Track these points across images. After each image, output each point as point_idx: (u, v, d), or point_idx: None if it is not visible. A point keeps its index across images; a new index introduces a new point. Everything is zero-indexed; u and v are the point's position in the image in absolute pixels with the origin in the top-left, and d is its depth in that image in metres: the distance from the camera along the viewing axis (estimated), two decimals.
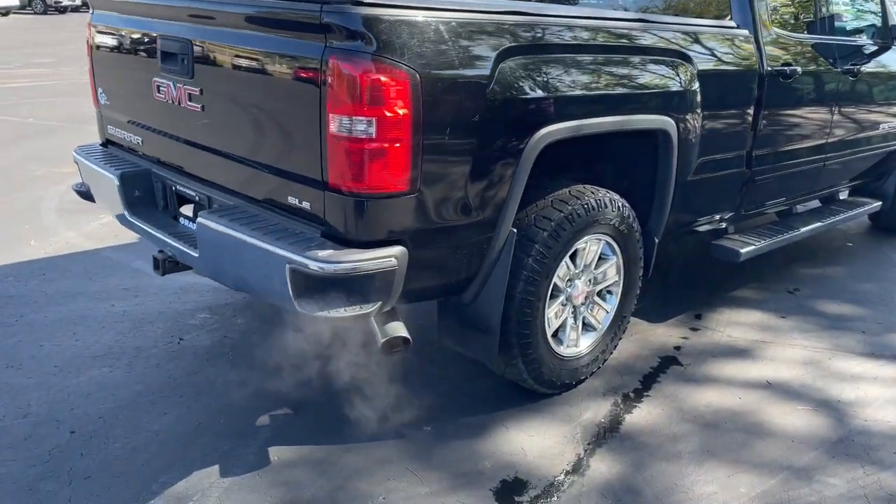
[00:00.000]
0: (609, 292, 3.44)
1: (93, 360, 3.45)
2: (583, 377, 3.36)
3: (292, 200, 2.59)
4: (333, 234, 2.48)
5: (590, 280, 3.29)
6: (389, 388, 3.27)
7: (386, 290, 2.48)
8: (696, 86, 3.39)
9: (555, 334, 3.24)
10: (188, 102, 2.91)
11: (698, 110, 3.43)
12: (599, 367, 3.46)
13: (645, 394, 3.36)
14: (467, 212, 2.64)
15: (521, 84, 2.66)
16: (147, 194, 3.29)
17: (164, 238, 3.03)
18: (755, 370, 3.60)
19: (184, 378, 3.32)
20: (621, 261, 3.36)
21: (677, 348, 3.80)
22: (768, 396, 3.37)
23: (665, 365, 3.63)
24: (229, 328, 3.79)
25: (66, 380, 3.28)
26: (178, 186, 3.15)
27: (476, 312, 2.93)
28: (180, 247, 2.93)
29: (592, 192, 3.12)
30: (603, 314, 3.41)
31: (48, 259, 4.70)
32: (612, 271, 3.37)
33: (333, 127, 2.34)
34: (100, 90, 3.59)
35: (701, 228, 4.02)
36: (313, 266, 2.36)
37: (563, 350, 3.24)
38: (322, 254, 2.38)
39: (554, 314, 3.16)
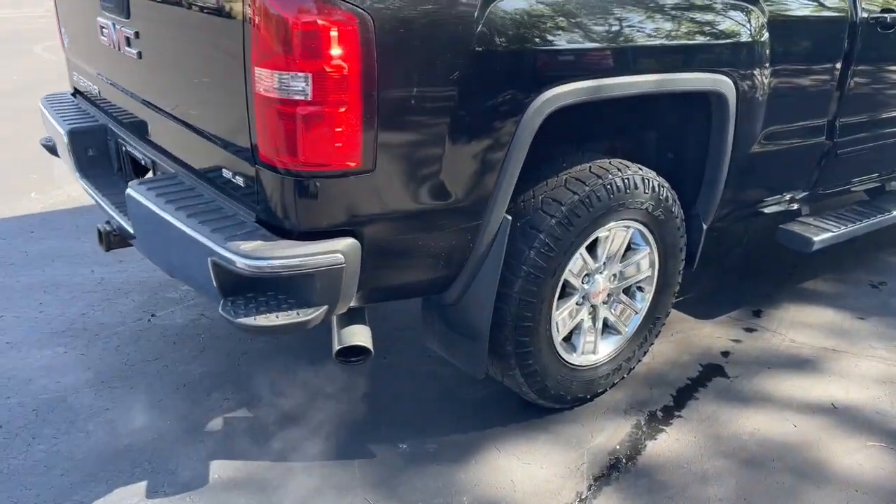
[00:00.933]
0: (639, 289, 2.84)
1: (49, 338, 3.09)
2: (600, 390, 2.81)
3: (227, 174, 2.10)
4: (268, 221, 1.98)
5: (614, 275, 2.70)
6: (368, 394, 2.79)
7: (331, 292, 1.97)
8: (766, 36, 2.69)
9: (568, 338, 2.69)
10: (126, 48, 2.42)
11: (766, 67, 2.74)
12: (623, 378, 2.89)
13: (676, 413, 2.77)
14: (443, 195, 2.08)
15: (519, 30, 2.06)
16: (102, 154, 2.86)
17: (107, 207, 2.59)
18: (819, 388, 2.95)
19: (141, 365, 2.92)
20: (655, 252, 2.75)
21: (725, 354, 3.18)
22: (832, 425, 2.74)
23: (707, 376, 3.02)
24: (209, 305, 3.36)
25: (12, 360, 2.93)
26: (127, 147, 2.69)
27: (460, 315, 2.39)
28: (121, 220, 2.49)
29: (619, 170, 2.50)
30: (630, 315, 2.82)
31: (42, 215, 4.39)
32: (643, 264, 2.76)
33: (260, 85, 1.82)
34: (63, 30, 3.15)
35: (767, 210, 3.33)
36: (234, 261, 1.87)
37: (576, 358, 2.68)
38: (246, 246, 1.88)
39: (566, 316, 2.59)
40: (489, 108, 2.06)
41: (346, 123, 1.83)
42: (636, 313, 2.83)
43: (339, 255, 1.93)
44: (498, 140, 2.11)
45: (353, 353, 2.18)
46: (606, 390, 2.84)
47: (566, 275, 2.49)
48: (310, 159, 1.84)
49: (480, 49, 1.99)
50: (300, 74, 1.76)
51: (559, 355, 2.60)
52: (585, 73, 2.22)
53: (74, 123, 2.84)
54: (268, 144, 1.87)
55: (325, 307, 1.99)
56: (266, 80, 1.79)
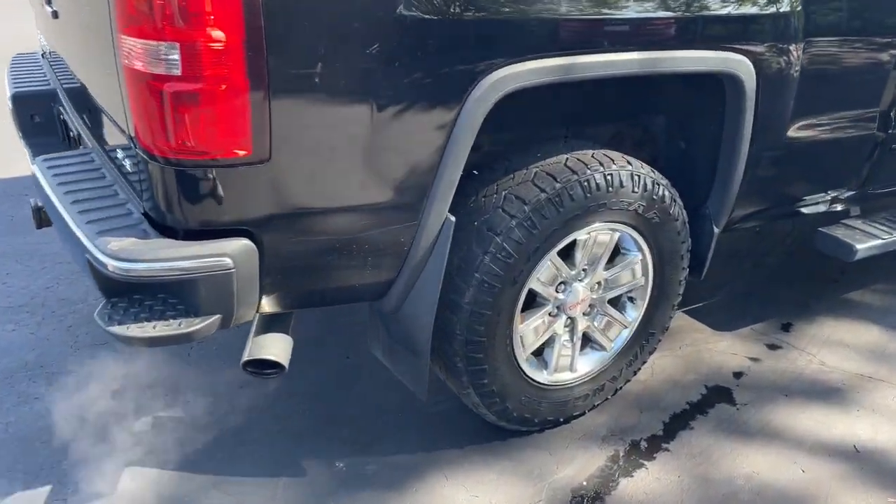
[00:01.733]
0: (630, 300, 2.46)
1: (4, 312, 2.94)
2: (577, 412, 2.46)
3: (121, 157, 1.83)
4: (153, 216, 1.71)
5: (597, 284, 2.33)
6: (316, 398, 2.53)
7: (223, 300, 1.69)
8: (799, 5, 2.23)
9: (540, 352, 2.35)
10: (47, 6, 2.17)
11: (799, 44, 2.28)
12: (607, 399, 2.53)
13: (664, 445, 2.40)
14: (363, 192, 1.77)
15: None
16: (49, 121, 2.64)
17: None
18: (842, 424, 2.53)
19: (87, 349, 2.74)
20: (649, 259, 2.36)
21: (737, 375, 2.77)
22: (849, 472, 2.32)
23: (710, 401, 2.63)
24: None
25: None
26: (64, 115, 2.46)
27: (401, 326, 2.08)
28: None
29: (601, 164, 2.12)
30: (617, 329, 2.45)
31: None
32: (632, 272, 2.38)
33: (125, 55, 1.53)
34: None
35: (805, 210, 2.87)
36: (102, 261, 1.61)
37: (547, 376, 2.34)
38: (114, 245, 1.62)
39: (535, 329, 2.25)
40: (421, 90, 1.72)
41: (228, 104, 1.53)
42: (625, 327, 2.46)
43: (227, 260, 1.64)
44: (433, 130, 1.77)
45: (266, 365, 1.91)
46: (585, 413, 2.49)
47: (532, 284, 2.14)
48: (186, 146, 1.54)
49: (409, 15, 1.64)
50: (168, 44, 1.47)
51: (524, 373, 2.27)
52: (549, 49, 1.84)
53: (22, 87, 2.63)
54: (142, 127, 1.58)
55: (218, 316, 1.71)
56: (131, 50, 1.50)
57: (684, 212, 2.36)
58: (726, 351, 2.92)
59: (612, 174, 2.12)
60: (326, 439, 2.35)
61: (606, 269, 2.32)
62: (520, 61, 1.80)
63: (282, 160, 1.63)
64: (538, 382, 2.32)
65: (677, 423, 2.50)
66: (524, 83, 1.82)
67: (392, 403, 2.53)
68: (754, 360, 2.87)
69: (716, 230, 2.50)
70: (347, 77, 1.63)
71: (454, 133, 1.79)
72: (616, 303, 2.46)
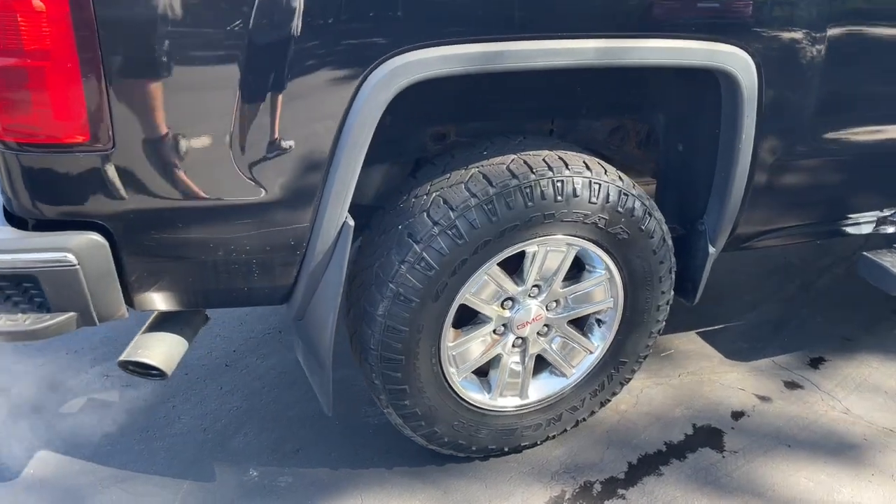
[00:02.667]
0: (598, 322, 2.15)
1: None
2: (526, 442, 2.18)
3: None
4: (4, 205, 1.58)
5: (555, 302, 2.04)
6: (250, 402, 2.38)
7: (73, 297, 1.54)
8: None
9: (486, 372, 2.09)
10: None
11: (822, 32, 1.88)
12: (566, 431, 2.24)
13: (620, 491, 2.10)
14: (234, 187, 1.56)
15: None
16: None
17: None
18: (850, 489, 2.14)
19: None
20: (618, 279, 2.04)
21: (738, 416, 2.41)
22: None
23: (694, 443, 2.29)
24: None
25: None
26: None
27: (307, 334, 1.88)
28: None
29: (551, 168, 1.83)
30: (580, 354, 2.15)
31: None
32: (599, 292, 2.07)
33: None
34: None
35: (845, 230, 2.45)
36: None
37: (489, 400, 2.08)
38: None
39: (474, 348, 2.00)
40: (301, 77, 1.48)
41: (56, 84, 1.35)
42: (590, 353, 2.16)
43: (68, 255, 1.48)
44: (315, 125, 1.54)
45: (149, 366, 1.76)
46: (538, 444, 2.21)
47: (464, 299, 1.88)
48: (11, 128, 1.39)
49: None
50: None
51: (458, 395, 2.02)
52: (465, 32, 1.56)
53: None
54: None
55: (72, 314, 1.57)
56: None
57: (664, 227, 2.02)
58: (733, 385, 2.55)
59: (562, 181, 1.82)
60: (249, 443, 2.20)
61: (566, 286, 2.03)
62: (426, 47, 1.53)
63: (130, 150, 1.45)
64: (478, 406, 2.06)
65: (645, 467, 2.19)
66: (435, 72, 1.55)
67: (341, 408, 2.35)
68: (763, 398, 2.48)
69: (711, 250, 2.14)
70: (209, 61, 1.43)
71: (345, 129, 1.55)
72: (582, 325, 2.16)
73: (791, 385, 2.56)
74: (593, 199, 1.86)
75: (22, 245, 1.48)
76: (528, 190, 1.79)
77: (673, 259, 2.09)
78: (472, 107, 2.10)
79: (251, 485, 2.06)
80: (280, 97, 1.48)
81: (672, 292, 2.15)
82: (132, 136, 1.44)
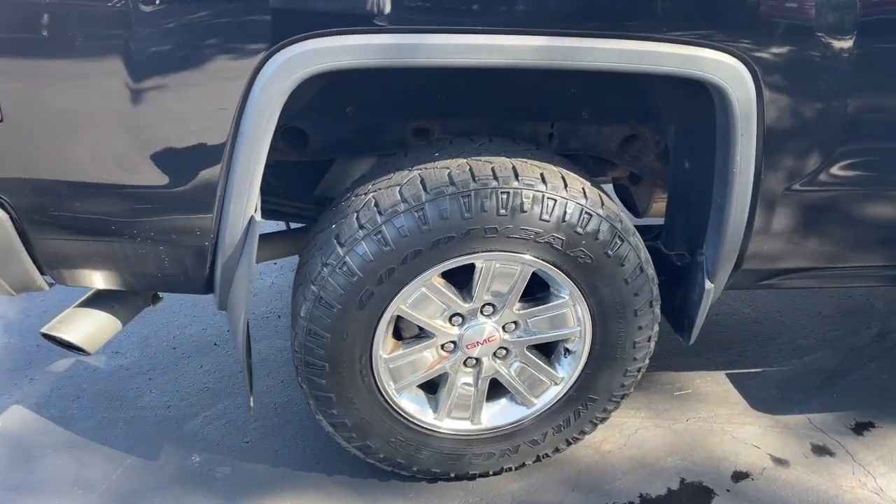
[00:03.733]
0: (567, 351, 1.93)
1: None
2: (475, 471, 2.01)
3: None
4: None
5: (513, 324, 1.85)
6: (221, 384, 2.36)
7: None
8: None
9: (437, 389, 1.95)
10: None
11: (844, 39, 1.56)
12: (524, 465, 2.04)
13: None
14: (128, 172, 1.50)
15: None
16: None
17: None
18: None
19: None
20: (584, 308, 1.82)
21: (739, 477, 2.10)
22: None
23: (675, 501, 2.02)
24: None
25: None
26: None
27: (231, 326, 1.82)
28: None
29: (497, 178, 1.64)
30: (544, 385, 1.95)
31: None
32: (564, 319, 1.86)
33: None
34: None
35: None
36: None
37: (434, 420, 1.93)
38: None
39: (416, 363, 1.85)
40: (195, 63, 1.40)
41: None
42: (554, 384, 1.95)
43: None
44: (206, 116, 1.45)
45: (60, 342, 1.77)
46: (490, 473, 2.03)
47: (400, 311, 1.74)
48: None
49: None
50: None
51: (395, 411, 1.89)
52: (374, 22, 1.40)
53: None
54: None
55: None
56: None
57: (641, 254, 1.77)
58: (748, 440, 2.23)
59: (507, 193, 1.63)
60: (203, 428, 2.18)
61: (525, 308, 1.83)
62: (327, 35, 1.40)
63: (19, 124, 1.43)
64: (419, 425, 1.92)
65: None
66: (339, 63, 1.42)
67: (280, 398, 2.29)
68: (779, 461, 2.15)
69: (708, 285, 1.86)
70: (91, 39, 1.37)
71: (243, 121, 1.45)
72: (551, 352, 1.96)
73: (820, 450, 2.20)
74: (545, 216, 1.65)
75: None
76: (465, 200, 1.62)
77: (655, 291, 1.83)
78: (455, 103, 1.94)
79: (190, 470, 2.04)
80: (175, 85, 1.41)
81: (655, 328, 1.89)
82: (20, 112, 1.41)
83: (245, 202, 1.55)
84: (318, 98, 1.85)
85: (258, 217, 1.57)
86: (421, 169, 1.69)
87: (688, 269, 1.93)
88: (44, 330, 1.74)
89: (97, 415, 2.22)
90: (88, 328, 1.76)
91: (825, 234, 1.86)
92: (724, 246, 1.80)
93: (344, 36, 1.40)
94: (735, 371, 2.52)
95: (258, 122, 1.45)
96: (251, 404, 1.84)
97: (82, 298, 1.83)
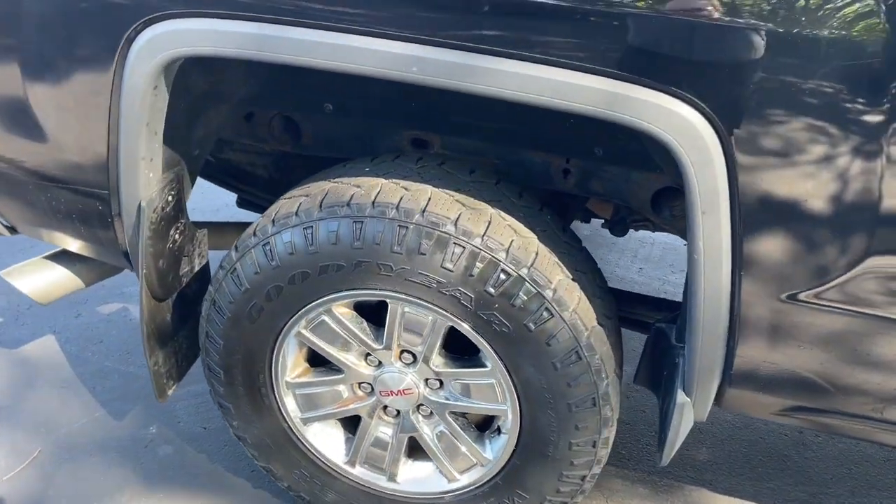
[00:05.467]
0: (500, 430, 1.61)
1: None
2: None
3: None
4: None
5: (437, 382, 1.58)
6: None
7: None
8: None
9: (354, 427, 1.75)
10: None
11: (885, 88, 1.07)
12: None
13: None
14: (34, 137, 1.50)
15: None
16: None
17: None
18: None
19: None
20: (510, 386, 1.49)
21: None
22: None
23: None
24: None
25: None
26: None
27: None
28: None
29: (401, 208, 1.38)
30: (469, 462, 1.64)
31: None
32: (486, 391, 1.54)
33: None
34: None
35: None
36: None
37: (341, 462, 1.73)
38: None
39: (323, 396, 1.67)
40: (62, 33, 1.35)
41: None
42: (479, 465, 1.63)
43: None
44: (88, 91, 1.39)
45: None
46: None
47: (300, 334, 1.57)
48: None
49: None
50: None
51: (301, 441, 1.72)
52: (238, 5, 1.23)
53: None
54: None
55: None
56: None
57: (581, 337, 1.39)
58: None
59: (405, 228, 1.36)
60: (174, 399, 2.18)
61: (448, 366, 1.55)
62: (188, 16, 1.25)
63: None
64: (328, 465, 1.73)
65: None
66: (197, 49, 1.27)
67: None
68: None
69: (681, 398, 1.42)
70: None
71: (121, 105, 1.37)
72: (487, 426, 1.64)
73: None
74: (447, 264, 1.36)
75: None
76: (357, 226, 1.39)
77: (603, 387, 1.43)
78: (453, 117, 1.70)
79: (139, 438, 2.06)
80: (52, 60, 1.38)
81: (605, 433, 1.49)
82: None
83: (135, 187, 1.46)
84: (300, 89, 1.72)
85: (144, 204, 1.48)
86: (338, 182, 1.48)
87: (671, 370, 1.49)
88: (2, 273, 1.83)
89: (103, 362, 2.32)
90: (43, 281, 1.81)
91: (847, 371, 1.32)
92: (697, 355, 1.35)
93: (197, 19, 1.25)
94: None
95: (132, 108, 1.35)
96: (157, 394, 1.77)
97: (50, 251, 1.88)
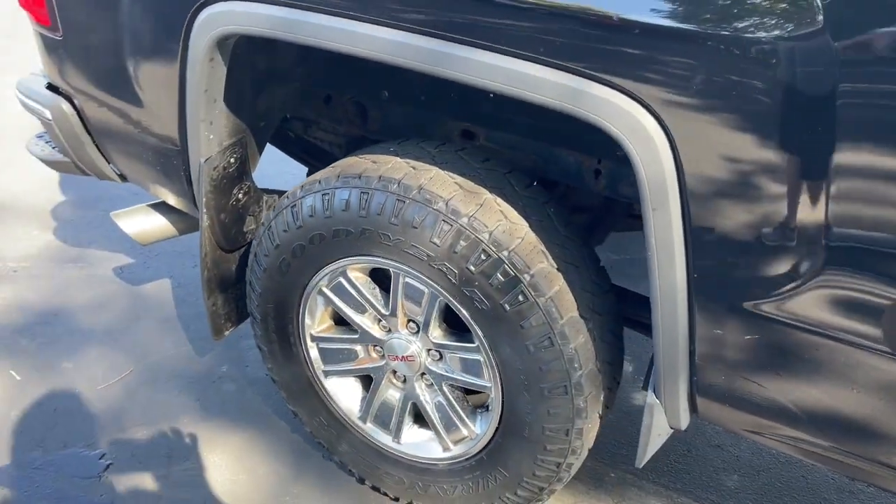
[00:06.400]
0: (488, 407, 1.70)
1: None
2: (386, 490, 1.92)
3: None
4: None
5: (437, 353, 1.70)
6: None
7: (58, 145, 2.06)
8: None
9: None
10: None
11: (831, 65, 1.07)
12: None
13: None
14: (128, 93, 1.79)
15: None
16: None
17: None
18: None
19: None
20: (492, 364, 1.58)
21: None
22: None
23: None
24: None
25: None
26: None
27: None
28: None
29: (401, 183, 1.52)
30: (461, 434, 1.75)
31: None
32: (472, 366, 1.64)
33: None
34: None
35: None
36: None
37: (354, 418, 1.89)
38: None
39: (339, 353, 1.84)
40: (149, 12, 1.63)
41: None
42: (470, 438, 1.73)
43: (47, 111, 1.97)
44: (166, 61, 1.65)
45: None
46: (397, 500, 1.90)
47: (321, 290, 1.75)
48: (27, 8, 1.89)
49: None
50: None
51: (322, 391, 1.90)
52: None
53: None
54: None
55: (66, 160, 2.09)
56: None
57: (555, 323, 1.45)
58: None
59: (402, 202, 1.50)
60: (252, 349, 2.43)
61: (444, 339, 1.66)
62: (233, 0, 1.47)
63: (70, 39, 1.82)
64: (344, 417, 1.90)
65: None
66: (243, 28, 1.48)
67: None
68: None
69: (650, 398, 1.44)
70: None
71: (186, 74, 1.61)
72: (475, 401, 1.74)
73: None
74: (435, 239, 1.48)
75: (39, 96, 2.01)
76: (364, 196, 1.54)
77: (575, 376, 1.49)
78: (496, 115, 1.81)
79: (211, 375, 2.33)
80: (142, 28, 1.65)
81: (579, 424, 1.54)
82: (68, 30, 1.80)
83: (202, 144, 1.71)
84: (360, 75, 1.90)
85: (202, 160, 1.72)
86: (365, 158, 1.64)
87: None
88: (112, 214, 2.17)
89: (201, 307, 2.63)
90: (143, 225, 2.13)
91: (808, 393, 1.27)
92: (659, 357, 1.37)
93: (248, 2, 1.46)
94: None
95: (193, 73, 1.59)
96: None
97: (153, 201, 2.20)
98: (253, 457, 2.06)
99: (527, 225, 1.49)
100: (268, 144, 2.04)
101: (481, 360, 1.59)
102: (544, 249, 1.48)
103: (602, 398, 1.56)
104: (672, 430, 1.54)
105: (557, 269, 1.48)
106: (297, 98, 1.97)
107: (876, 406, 1.20)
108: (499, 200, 1.51)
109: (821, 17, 1.00)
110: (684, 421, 1.47)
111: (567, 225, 1.57)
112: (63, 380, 2.30)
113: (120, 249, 2.94)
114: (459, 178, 1.53)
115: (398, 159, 1.58)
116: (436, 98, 1.86)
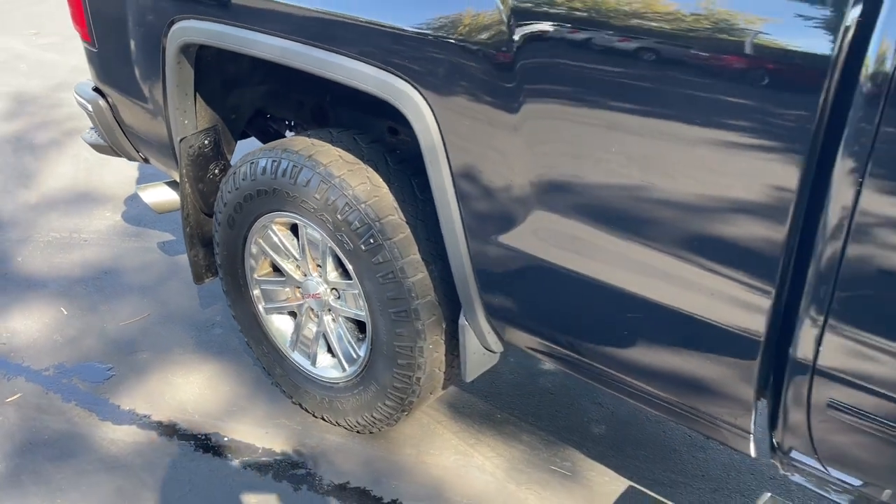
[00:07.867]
0: (360, 339, 2.18)
1: None
2: (306, 406, 2.41)
3: None
4: None
5: (336, 291, 2.21)
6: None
7: (101, 133, 2.73)
8: None
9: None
10: None
11: (507, 52, 1.53)
12: (338, 426, 2.34)
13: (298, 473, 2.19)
14: (134, 90, 2.43)
15: None
16: None
17: None
18: None
19: None
20: (362, 295, 2.06)
21: None
22: None
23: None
24: None
25: None
26: None
27: None
28: None
29: (298, 150, 2.05)
30: (352, 357, 2.23)
31: None
32: (350, 298, 2.13)
33: None
34: None
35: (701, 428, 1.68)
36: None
37: (285, 346, 2.41)
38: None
39: (273, 290, 2.37)
40: (139, 18, 2.24)
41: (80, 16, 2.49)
42: (356, 359, 2.21)
43: (89, 105, 2.65)
44: (153, 62, 2.25)
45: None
46: (315, 416, 2.40)
47: (255, 242, 2.29)
48: (77, 30, 2.59)
49: None
50: None
51: (263, 325, 2.43)
52: (212, 12, 2.00)
53: None
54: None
55: (106, 144, 2.76)
56: None
57: (398, 262, 1.91)
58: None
59: (297, 166, 2.02)
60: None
61: (338, 279, 2.16)
62: (193, 17, 2.06)
63: (101, 49, 2.49)
64: (278, 346, 2.41)
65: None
66: (196, 39, 2.07)
67: None
68: None
69: (461, 320, 1.89)
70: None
71: (166, 72, 2.22)
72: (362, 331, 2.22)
73: None
74: (318, 194, 1.98)
75: (85, 94, 2.69)
76: (274, 162, 2.07)
77: (414, 303, 1.94)
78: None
79: (207, 321, 2.92)
80: (138, 36, 2.27)
81: (419, 343, 1.98)
82: (100, 42, 2.46)
83: (175, 129, 2.31)
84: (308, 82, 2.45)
85: (180, 141, 2.31)
86: (310, 137, 2.15)
87: None
88: (137, 188, 2.82)
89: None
90: (160, 198, 2.76)
91: (553, 312, 1.67)
92: (458, 286, 1.81)
93: (199, 20, 2.05)
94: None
95: (168, 72, 2.20)
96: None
97: (170, 179, 2.83)
98: (221, 380, 2.61)
99: (387, 188, 1.97)
100: (254, 140, 2.64)
101: (357, 292, 2.07)
102: (397, 206, 1.95)
103: (444, 326, 2.00)
104: (496, 353, 1.96)
105: (406, 221, 1.94)
106: (268, 98, 2.55)
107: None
108: (370, 169, 2.00)
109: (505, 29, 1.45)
110: (493, 342, 1.89)
111: (425, 191, 2.03)
112: (97, 318, 2.96)
113: (168, 229, 3.62)
114: (342, 152, 2.03)
115: (307, 139, 2.10)
116: (355, 99, 2.37)
